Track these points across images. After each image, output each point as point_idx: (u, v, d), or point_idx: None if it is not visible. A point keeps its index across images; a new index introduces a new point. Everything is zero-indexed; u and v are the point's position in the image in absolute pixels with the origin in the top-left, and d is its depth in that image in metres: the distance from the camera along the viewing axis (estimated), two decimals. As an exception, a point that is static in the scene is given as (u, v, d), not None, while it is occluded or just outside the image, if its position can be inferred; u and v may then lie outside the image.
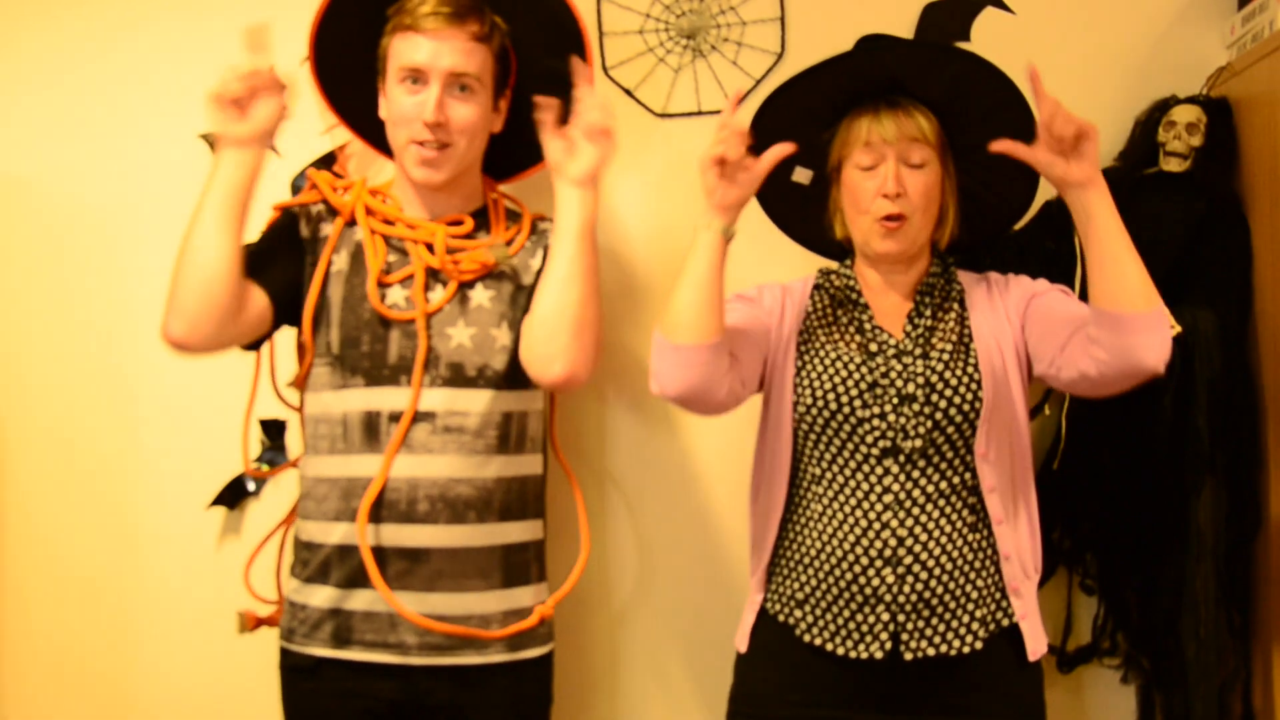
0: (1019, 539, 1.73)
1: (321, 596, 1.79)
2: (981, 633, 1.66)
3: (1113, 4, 2.18)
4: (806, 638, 1.68)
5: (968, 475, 1.68)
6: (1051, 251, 2.05)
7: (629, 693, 2.25)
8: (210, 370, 2.13)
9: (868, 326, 1.75)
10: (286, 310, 1.83)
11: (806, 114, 1.81)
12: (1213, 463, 1.96)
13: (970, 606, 1.65)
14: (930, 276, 1.79)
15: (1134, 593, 2.05)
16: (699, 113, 2.25)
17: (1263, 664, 1.97)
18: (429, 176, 1.82)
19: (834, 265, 1.88)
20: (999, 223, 1.91)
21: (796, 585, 1.71)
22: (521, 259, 1.88)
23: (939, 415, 1.67)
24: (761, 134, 1.88)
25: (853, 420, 1.68)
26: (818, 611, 1.68)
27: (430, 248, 1.82)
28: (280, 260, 1.83)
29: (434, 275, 1.82)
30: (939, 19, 2.19)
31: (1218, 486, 1.96)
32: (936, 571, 1.64)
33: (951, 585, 1.65)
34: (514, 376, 1.81)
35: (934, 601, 1.64)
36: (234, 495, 2.26)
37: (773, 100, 1.83)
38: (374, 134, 2.00)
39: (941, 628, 1.64)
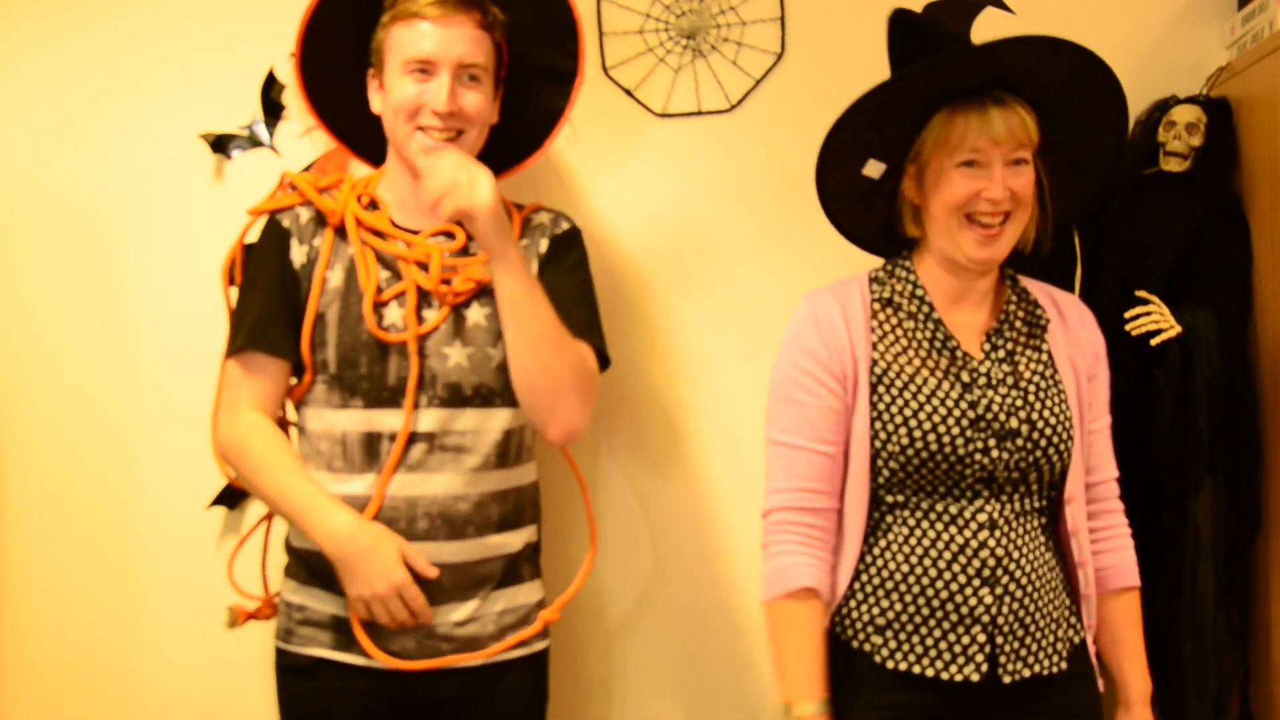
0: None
1: (325, 602, 1.78)
2: (1065, 652, 1.62)
3: (1113, 4, 2.18)
4: (890, 664, 1.61)
5: (1044, 502, 1.65)
6: (1052, 251, 2.05)
7: (624, 698, 2.25)
8: (211, 370, 2.13)
9: (959, 354, 1.65)
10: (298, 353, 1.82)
11: (895, 110, 1.66)
12: (1213, 463, 1.96)
13: (1054, 626, 1.62)
14: (1011, 293, 1.71)
15: (1134, 593, 2.05)
16: (699, 113, 2.25)
17: (1262, 664, 1.97)
18: None
19: (880, 264, 1.76)
20: (1061, 217, 1.77)
21: (876, 611, 1.63)
22: None
23: (1039, 453, 1.61)
24: (848, 130, 1.68)
25: (953, 458, 1.60)
26: (903, 635, 1.61)
27: (423, 266, 1.78)
28: (286, 313, 1.78)
29: (428, 292, 1.79)
30: (939, 19, 2.18)
31: (1218, 486, 1.96)
32: (1030, 590, 1.59)
33: (1042, 604, 1.60)
34: (511, 394, 1.78)
35: (1028, 621, 1.59)
36: (234, 495, 2.26)
37: (865, 103, 1.64)
38: (349, 136, 1.97)
39: (1034, 647, 1.60)
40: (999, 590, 1.58)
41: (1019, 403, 1.63)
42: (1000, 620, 1.58)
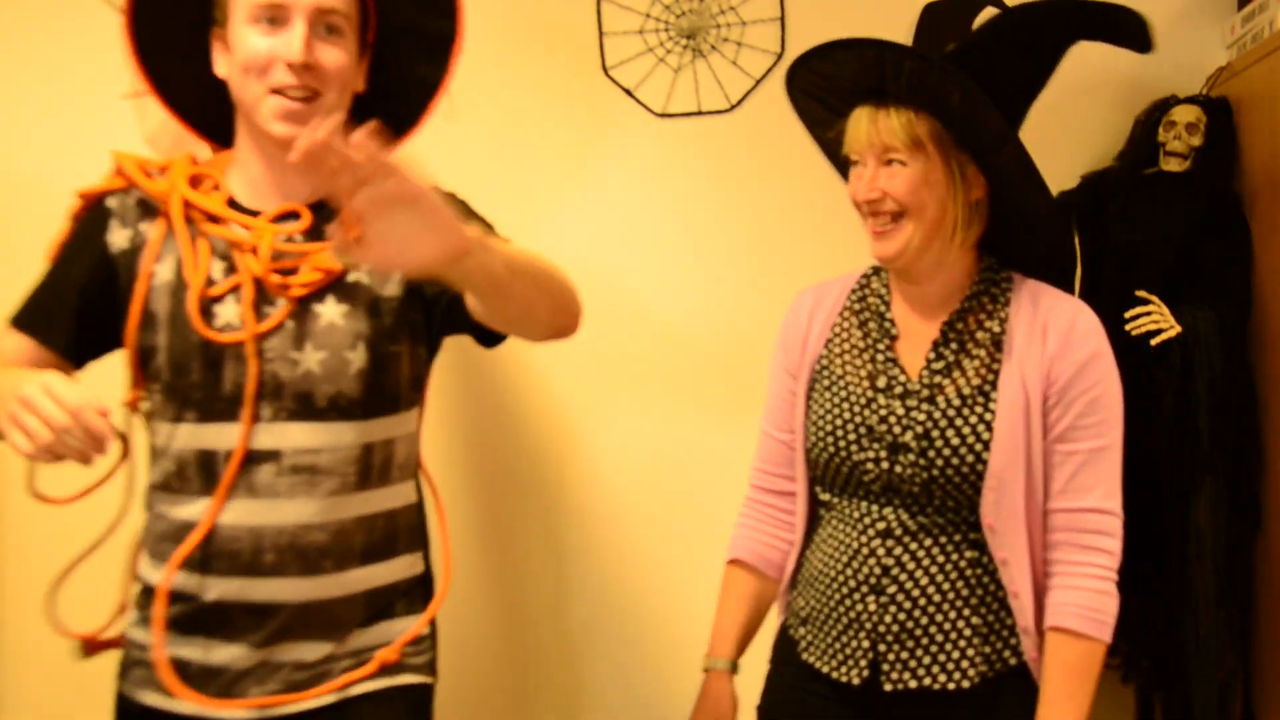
0: (1036, 577, 1.58)
1: (168, 642, 1.54)
2: (972, 672, 1.55)
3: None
4: (804, 656, 1.65)
5: (971, 517, 1.56)
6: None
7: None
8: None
9: (881, 359, 1.62)
10: (95, 348, 1.58)
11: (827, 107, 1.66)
12: (1213, 463, 1.96)
13: (961, 643, 1.56)
14: (968, 300, 1.60)
15: (1134, 593, 2.04)
16: (699, 113, 2.25)
17: (1263, 664, 1.97)
18: (293, 131, 1.44)
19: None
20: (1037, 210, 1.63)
21: (802, 603, 1.68)
22: None
23: (935, 471, 1.54)
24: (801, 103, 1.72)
25: (849, 464, 1.60)
26: (814, 630, 1.65)
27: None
28: (73, 300, 1.56)
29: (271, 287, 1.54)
30: (939, 19, 2.19)
31: (1218, 486, 1.96)
32: (922, 603, 1.55)
33: (940, 618, 1.56)
34: (374, 403, 1.54)
35: (918, 633, 1.56)
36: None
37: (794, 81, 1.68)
38: (187, 111, 1.69)
39: (927, 660, 1.55)
40: (883, 599, 1.56)
41: (920, 416, 1.56)
42: (883, 629, 1.56)
